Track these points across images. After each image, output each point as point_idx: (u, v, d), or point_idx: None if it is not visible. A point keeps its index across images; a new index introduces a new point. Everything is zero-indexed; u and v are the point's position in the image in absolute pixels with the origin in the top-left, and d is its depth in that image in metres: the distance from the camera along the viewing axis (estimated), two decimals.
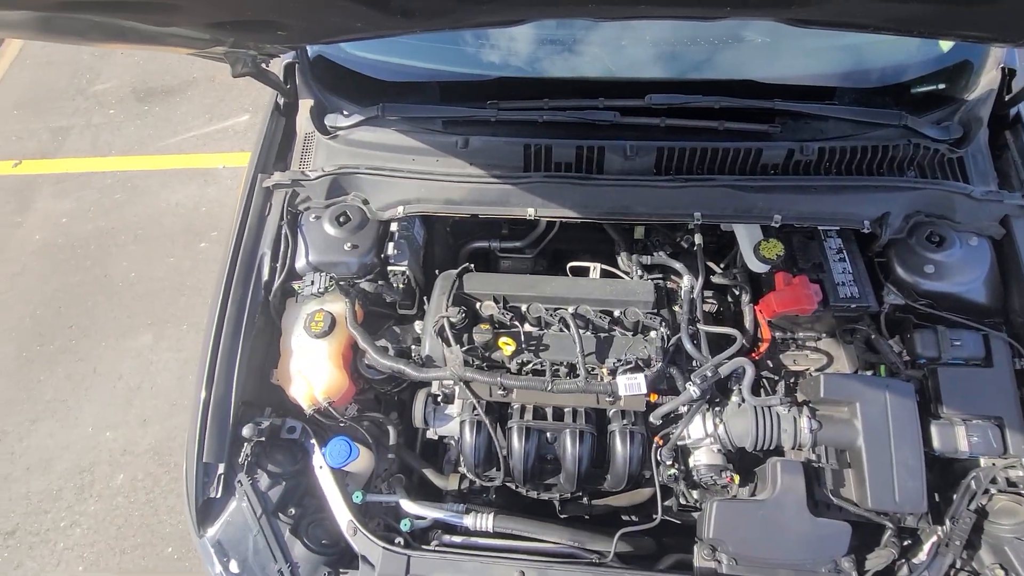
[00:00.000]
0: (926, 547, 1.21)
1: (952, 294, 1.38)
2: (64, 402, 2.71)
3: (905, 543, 1.28)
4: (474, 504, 1.40)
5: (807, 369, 1.49)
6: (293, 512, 1.32)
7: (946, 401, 1.29)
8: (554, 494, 1.50)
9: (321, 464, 1.36)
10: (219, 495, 1.29)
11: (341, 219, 1.54)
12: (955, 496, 1.25)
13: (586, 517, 1.53)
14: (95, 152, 3.70)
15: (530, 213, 1.49)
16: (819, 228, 1.50)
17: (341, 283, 1.51)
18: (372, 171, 1.53)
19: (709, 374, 1.28)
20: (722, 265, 1.65)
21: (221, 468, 1.31)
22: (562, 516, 1.50)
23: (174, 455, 2.50)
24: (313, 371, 1.42)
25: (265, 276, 1.49)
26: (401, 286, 1.58)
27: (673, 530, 1.51)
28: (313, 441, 1.39)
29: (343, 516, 1.29)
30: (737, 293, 1.59)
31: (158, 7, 0.72)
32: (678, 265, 1.58)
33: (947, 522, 1.22)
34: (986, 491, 1.22)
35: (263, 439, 1.35)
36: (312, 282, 1.46)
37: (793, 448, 1.28)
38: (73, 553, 2.31)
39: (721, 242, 1.75)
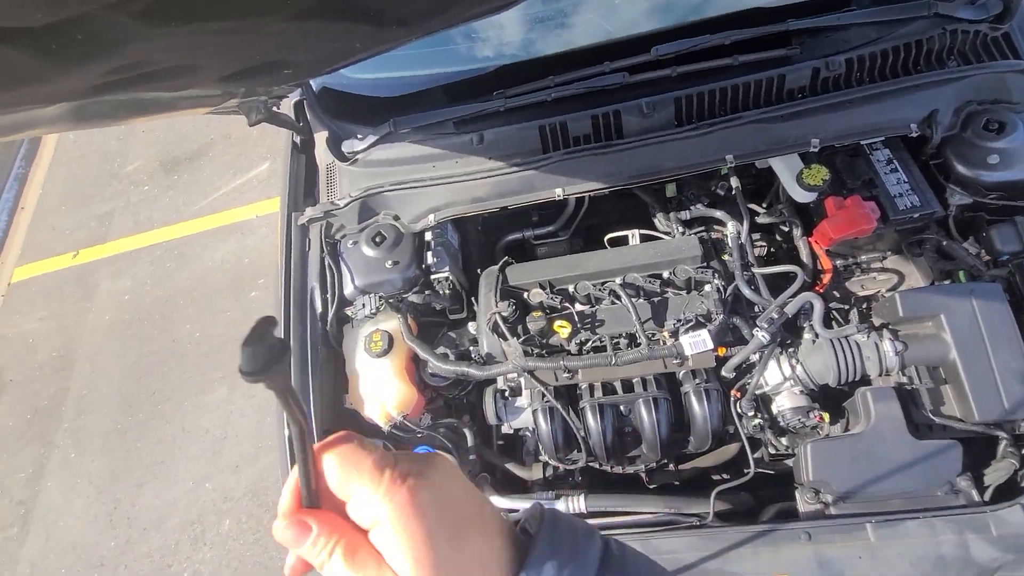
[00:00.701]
0: None
1: (1023, 181, 1.28)
2: (162, 463, 2.90)
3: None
4: (562, 489, 1.41)
5: (877, 292, 1.42)
6: None
7: None
8: (639, 466, 1.49)
9: None
10: None
11: (377, 239, 1.57)
12: None
13: (676, 484, 1.51)
14: (139, 228, 3.93)
15: (558, 194, 1.48)
16: (862, 143, 1.42)
17: (390, 301, 1.54)
18: (396, 186, 1.56)
19: (775, 316, 1.24)
20: (764, 205, 1.59)
21: None
22: (651, 487, 1.48)
23: (270, 494, 2.63)
24: (382, 389, 1.46)
25: (319, 308, 1.54)
26: (447, 292, 1.60)
27: (769, 482, 1.47)
28: None
29: None
30: (787, 229, 1.52)
31: (177, 72, 0.76)
32: (719, 213, 1.53)
33: None
34: None
35: None
36: (364, 305, 1.50)
37: (880, 375, 1.22)
38: None
39: (760, 182, 1.68)
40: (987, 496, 1.14)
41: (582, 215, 1.80)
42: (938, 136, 1.32)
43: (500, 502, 1.38)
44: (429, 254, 1.57)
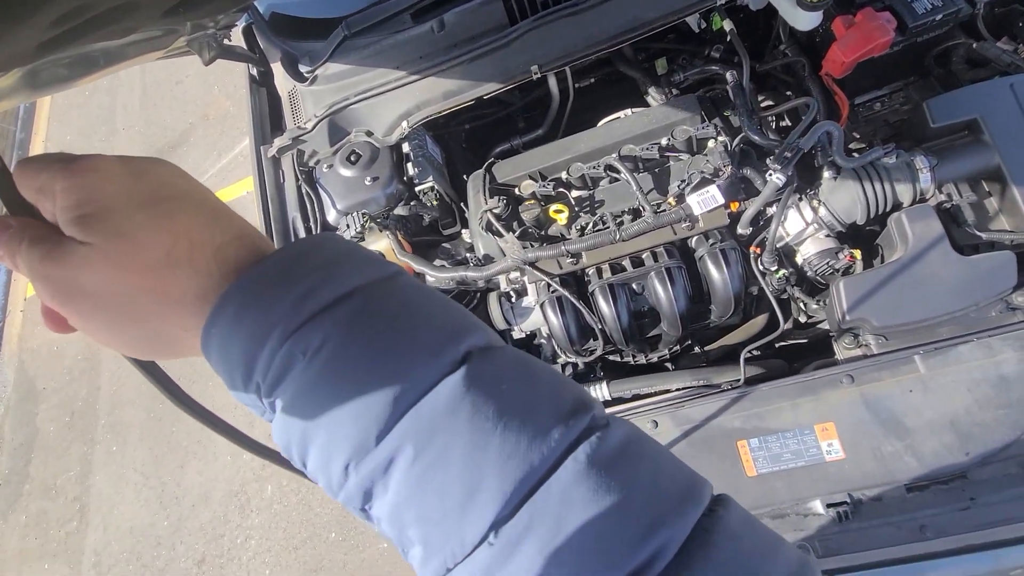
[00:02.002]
0: None
1: None
2: (199, 442, 2.94)
3: None
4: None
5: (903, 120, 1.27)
6: None
7: None
8: (662, 351, 1.40)
9: None
10: None
11: (352, 158, 1.47)
12: None
13: (704, 366, 1.43)
14: None
15: (534, 71, 1.35)
16: None
17: (377, 220, 1.45)
18: (362, 96, 1.44)
19: (789, 154, 1.11)
20: (765, 57, 1.43)
21: None
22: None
23: None
24: None
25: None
26: (435, 203, 1.50)
27: (803, 352, 1.38)
28: None
29: None
30: (791, 76, 1.37)
31: (119, 13, 0.68)
32: (715, 67, 1.38)
33: None
34: None
35: None
36: (348, 226, 1.42)
37: (915, 201, 1.10)
38: (256, 561, 2.54)
39: (755, 37, 1.52)
40: None
41: (570, 110, 1.66)
42: None
43: None
44: (409, 166, 1.47)
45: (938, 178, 1.06)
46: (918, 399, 0.98)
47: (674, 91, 1.43)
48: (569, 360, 1.42)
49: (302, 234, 1.46)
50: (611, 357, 1.47)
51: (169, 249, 0.34)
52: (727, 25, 1.33)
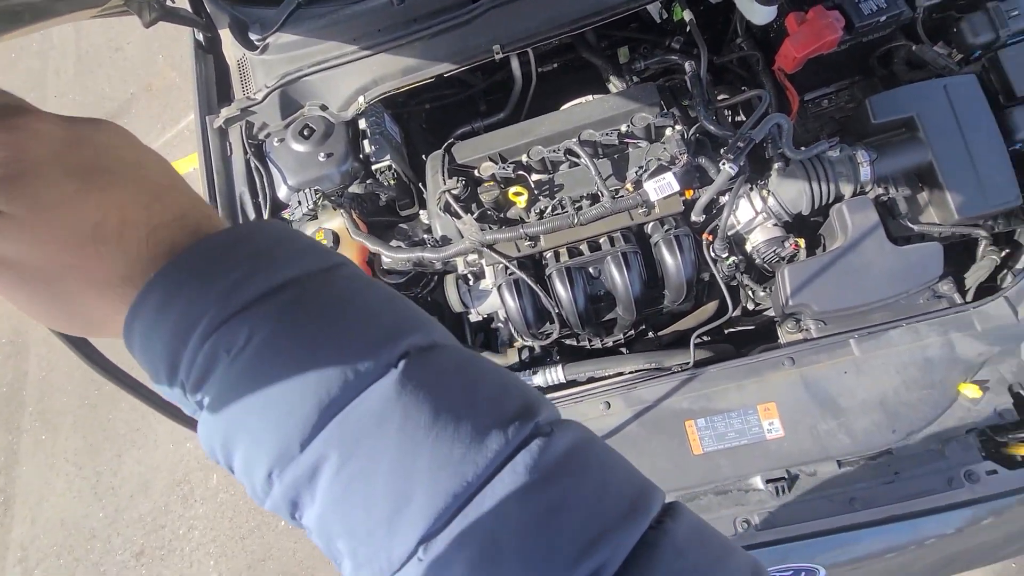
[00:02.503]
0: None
1: None
2: (138, 430, 2.80)
3: (1005, 253, 1.16)
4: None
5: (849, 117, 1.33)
6: None
7: (1016, 82, 1.12)
8: (617, 335, 1.43)
9: None
10: None
11: (305, 132, 1.42)
12: None
13: (656, 349, 1.46)
14: None
15: (496, 51, 1.33)
16: None
17: (331, 198, 1.40)
18: (316, 67, 1.39)
19: (741, 144, 1.14)
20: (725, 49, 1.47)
21: None
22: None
23: None
24: None
25: (251, 215, 1.40)
26: (392, 182, 1.46)
27: (750, 338, 1.43)
28: None
29: None
30: (746, 71, 1.41)
31: None
32: (675, 57, 1.40)
33: None
34: None
35: None
36: (299, 203, 1.36)
37: (856, 193, 1.15)
38: (200, 552, 2.45)
39: (714, 30, 1.55)
40: (969, 297, 1.10)
41: (532, 94, 1.65)
42: None
43: None
44: (366, 143, 1.42)
45: (877, 172, 1.12)
46: (852, 380, 1.03)
47: (634, 79, 1.45)
48: (526, 343, 1.43)
49: (250, 210, 1.40)
50: (567, 341, 1.48)
51: (97, 225, 0.30)
52: (687, 16, 1.35)
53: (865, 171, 1.11)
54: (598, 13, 1.29)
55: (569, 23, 1.30)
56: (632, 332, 1.44)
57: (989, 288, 1.10)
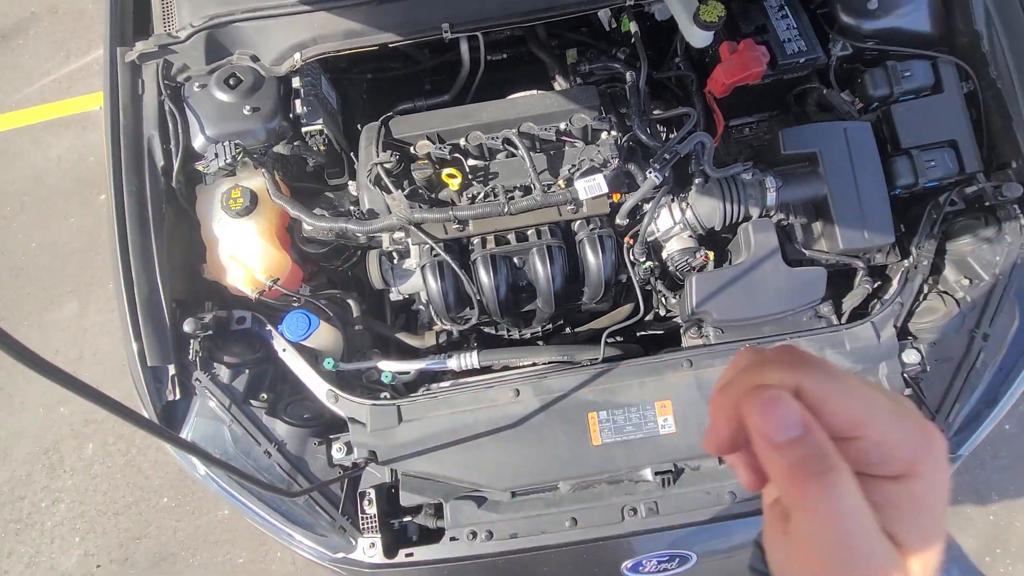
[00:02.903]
0: (896, 277, 1.24)
1: (897, 28, 1.32)
2: (2, 390, 2.48)
3: (877, 284, 1.31)
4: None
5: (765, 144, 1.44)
6: (266, 397, 1.23)
7: (902, 136, 1.26)
8: (535, 328, 1.46)
9: (284, 347, 1.26)
10: (178, 397, 1.19)
11: (231, 82, 1.32)
12: (920, 227, 1.26)
13: (571, 344, 1.51)
14: None
15: (444, 29, 1.31)
16: None
17: (254, 156, 1.32)
18: (250, 14, 1.30)
19: (668, 156, 1.21)
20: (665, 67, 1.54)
21: (172, 370, 1.19)
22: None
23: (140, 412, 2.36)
24: (245, 252, 1.27)
25: (160, 161, 1.29)
26: (322, 148, 1.40)
27: (659, 342, 1.52)
28: (269, 327, 1.28)
29: (320, 388, 1.21)
30: (684, 85, 1.49)
31: None
32: (618, 65, 1.46)
33: (913, 250, 1.24)
34: (949, 209, 1.24)
35: (211, 333, 1.23)
36: (216, 155, 1.27)
37: (762, 215, 1.25)
38: (64, 527, 2.22)
39: (658, 47, 1.62)
40: (844, 320, 1.24)
41: (478, 82, 1.64)
42: None
43: (389, 365, 1.29)
44: (298, 103, 1.35)
45: (781, 199, 1.22)
46: None
47: (578, 80, 1.48)
48: (445, 327, 1.42)
49: (159, 156, 1.28)
50: (487, 330, 1.49)
51: None
52: (633, 27, 1.41)
53: (771, 196, 1.21)
54: (551, 9, 1.31)
55: (521, 14, 1.31)
56: (550, 326, 1.47)
57: (860, 313, 1.24)
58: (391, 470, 1.18)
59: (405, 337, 1.43)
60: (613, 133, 1.30)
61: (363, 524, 1.14)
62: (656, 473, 1.11)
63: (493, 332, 1.49)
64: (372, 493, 1.15)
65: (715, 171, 1.22)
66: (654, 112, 1.36)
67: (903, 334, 1.20)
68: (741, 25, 1.36)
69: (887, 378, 1.15)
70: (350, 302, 1.41)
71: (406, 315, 1.58)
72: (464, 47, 1.59)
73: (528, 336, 1.48)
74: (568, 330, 1.53)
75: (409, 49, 1.68)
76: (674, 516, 1.08)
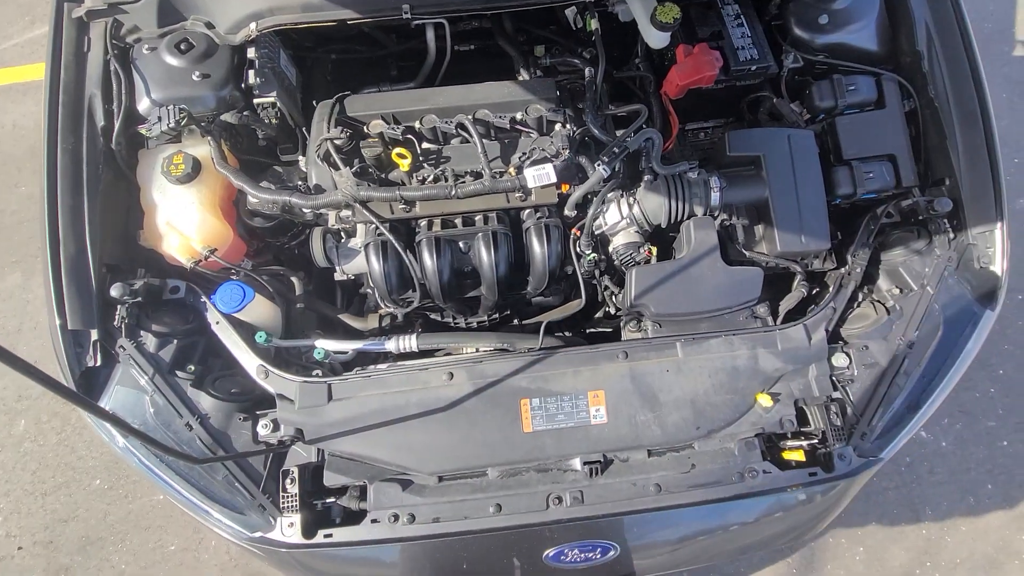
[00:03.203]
0: (831, 282, 1.27)
1: (846, 44, 1.37)
2: None
3: (815, 290, 1.34)
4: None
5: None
6: (193, 369, 1.19)
7: (844, 147, 1.30)
8: (482, 316, 1.45)
9: (218, 319, 1.23)
10: (98, 363, 1.14)
11: (182, 47, 1.30)
12: (856, 236, 1.30)
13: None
14: None
15: (405, 10, 1.31)
16: None
17: (202, 124, 1.29)
18: None
19: (617, 150, 1.22)
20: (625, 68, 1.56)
21: (94, 335, 1.14)
22: None
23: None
24: (183, 220, 1.24)
25: (101, 121, 1.25)
26: (274, 121, 1.38)
27: (607, 339, 1.52)
28: (204, 299, 1.24)
29: (251, 363, 1.18)
30: (642, 86, 1.51)
31: None
32: (577, 61, 1.47)
33: (849, 258, 1.28)
34: (885, 221, 1.27)
35: (140, 300, 1.19)
36: (159, 118, 1.23)
37: (706, 214, 1.27)
38: None
39: (621, 48, 1.64)
40: (779, 321, 1.26)
41: (445, 72, 1.64)
42: None
43: (326, 343, 1.26)
44: (251, 73, 1.33)
45: (725, 199, 1.24)
46: (672, 379, 1.13)
47: (539, 73, 1.49)
48: (388, 310, 1.40)
49: (99, 116, 1.25)
50: (432, 316, 1.48)
51: None
52: (594, 24, 1.42)
53: (715, 196, 1.23)
54: None
55: (482, 0, 1.31)
56: (497, 316, 1.47)
57: (796, 316, 1.26)
58: (317, 450, 1.15)
59: (348, 319, 1.41)
60: (568, 126, 1.31)
61: (283, 503, 1.11)
62: (585, 463, 1.11)
63: (438, 319, 1.47)
64: (295, 472, 1.12)
65: (662, 168, 1.23)
66: (609, 108, 1.37)
67: (835, 338, 1.23)
68: (698, 30, 1.39)
69: (816, 380, 1.17)
70: (294, 279, 1.38)
71: (354, 298, 1.56)
72: (430, 34, 1.59)
73: (475, 325, 1.47)
74: (516, 322, 1.52)
75: (376, 33, 1.67)
76: (599, 506, 1.08)
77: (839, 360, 1.19)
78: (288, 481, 1.12)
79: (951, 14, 1.29)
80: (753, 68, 1.34)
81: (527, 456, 1.11)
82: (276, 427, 1.15)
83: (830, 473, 1.12)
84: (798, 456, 1.16)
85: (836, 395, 1.19)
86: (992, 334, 1.22)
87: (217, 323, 1.23)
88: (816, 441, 1.18)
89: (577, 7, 1.55)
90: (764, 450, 1.14)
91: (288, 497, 1.12)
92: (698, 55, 1.32)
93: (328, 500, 1.15)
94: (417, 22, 1.54)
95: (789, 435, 1.17)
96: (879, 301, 1.27)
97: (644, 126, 1.27)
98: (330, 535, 1.08)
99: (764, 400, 1.14)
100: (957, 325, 1.19)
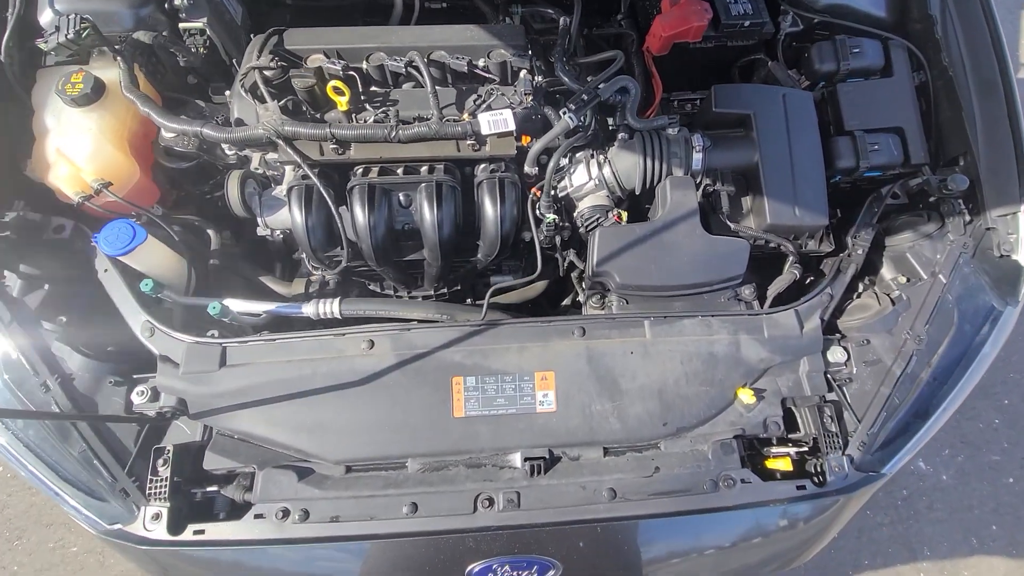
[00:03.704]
0: (828, 265, 1.10)
1: (849, 6, 1.23)
2: None
3: (809, 279, 1.17)
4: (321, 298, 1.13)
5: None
6: (65, 320, 0.99)
7: (846, 116, 1.15)
8: (428, 290, 1.26)
9: (107, 267, 1.04)
10: None
11: None
12: (858, 217, 1.13)
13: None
14: None
15: None
16: None
17: (112, 43, 1.12)
18: None
19: (586, 97, 1.05)
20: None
21: None
22: None
23: None
24: (75, 146, 1.05)
25: None
26: (202, 51, 1.21)
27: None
28: (94, 244, 1.05)
29: (135, 317, 0.99)
30: (624, 45, 1.36)
31: None
32: (552, 11, 1.32)
33: (849, 241, 1.10)
34: (891, 202, 1.11)
35: (10, 235, 1.00)
36: (57, 28, 1.06)
37: (686, 176, 1.10)
38: None
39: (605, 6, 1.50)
40: (767, 306, 1.08)
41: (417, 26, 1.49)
42: None
43: (234, 303, 1.06)
44: None
45: (708, 163, 1.08)
46: (636, 362, 0.94)
47: (506, 20, 1.34)
48: (318, 275, 1.21)
49: None
50: (372, 287, 1.29)
51: None
52: None
53: (697, 158, 1.07)
54: None
55: None
56: (445, 290, 1.28)
57: (786, 302, 1.08)
58: (204, 427, 0.95)
59: (270, 281, 1.21)
60: (536, 76, 1.15)
61: (151, 489, 0.90)
62: (525, 459, 0.91)
63: (378, 290, 1.28)
64: (170, 451, 0.91)
65: (638, 121, 1.07)
66: (582, 60, 1.21)
67: (831, 330, 1.05)
68: None
69: (808, 376, 0.99)
70: (210, 232, 1.20)
71: (287, 266, 1.37)
72: None
73: (419, 299, 1.28)
74: (469, 301, 1.33)
75: None
76: (538, 512, 0.87)
77: (835, 355, 1.01)
78: (160, 462, 0.91)
79: None
80: (746, 24, 1.20)
81: (456, 447, 0.91)
82: (155, 396, 0.95)
83: (822, 488, 0.93)
84: (784, 465, 0.96)
85: (831, 396, 1.00)
86: (995, 359, 1.05)
87: (106, 271, 1.03)
88: (806, 449, 0.99)
89: None
90: (744, 456, 0.94)
91: (157, 481, 0.90)
92: (685, 4, 1.17)
93: (210, 489, 0.94)
94: None
95: (774, 440, 0.97)
96: (883, 292, 1.09)
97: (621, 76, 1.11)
98: (201, 531, 0.87)
99: (746, 396, 0.95)
100: (973, 321, 1.02)
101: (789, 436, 0.99)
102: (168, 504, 0.89)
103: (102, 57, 1.14)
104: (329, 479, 0.90)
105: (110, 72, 1.12)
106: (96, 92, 1.07)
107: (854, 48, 1.16)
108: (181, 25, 1.18)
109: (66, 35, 1.05)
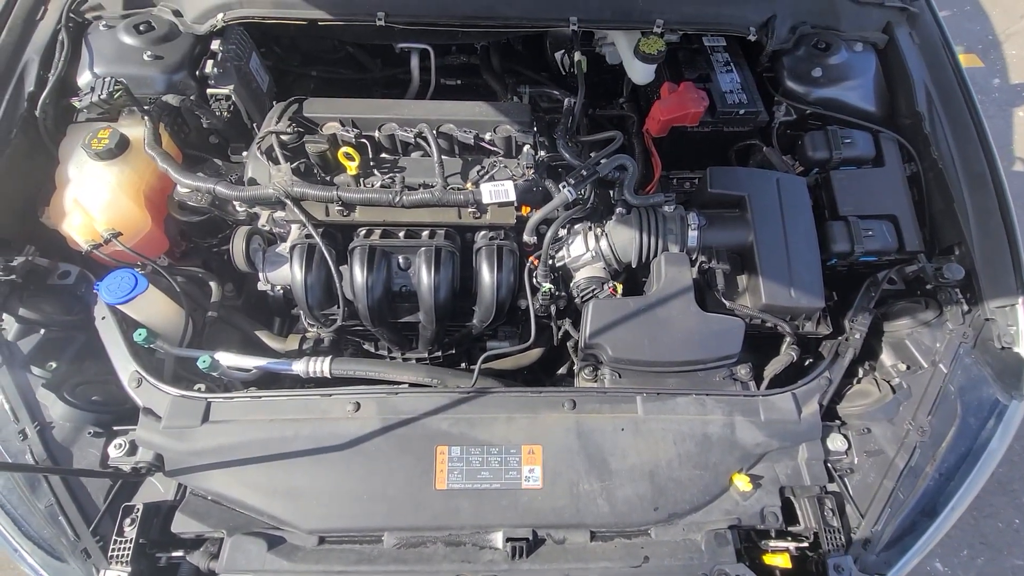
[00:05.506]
0: (826, 349, 1.08)
1: (841, 100, 1.29)
2: None
3: (808, 360, 1.15)
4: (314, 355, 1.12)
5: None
6: (54, 367, 0.99)
7: (840, 202, 1.17)
8: (422, 352, 1.26)
9: (104, 315, 1.05)
10: None
11: (142, 27, 1.23)
12: (856, 301, 1.13)
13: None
14: None
15: (379, 18, 1.25)
16: (705, 43, 1.37)
17: (143, 104, 1.19)
18: None
19: (585, 172, 1.09)
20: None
21: None
22: None
23: None
24: (92, 197, 1.09)
25: (31, 87, 1.15)
26: (226, 114, 1.28)
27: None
28: (95, 291, 1.07)
29: (125, 366, 0.98)
30: (625, 127, 1.43)
31: None
32: (557, 92, 1.40)
33: (846, 324, 1.10)
34: (887, 287, 1.11)
35: (15, 279, 1.02)
36: (92, 88, 1.13)
37: (681, 252, 1.11)
38: None
39: (606, 89, 1.59)
40: (763, 388, 1.05)
41: (429, 100, 1.58)
42: (772, 45, 1.29)
43: (225, 357, 1.06)
44: (210, 63, 1.25)
45: (704, 240, 1.10)
46: (627, 440, 0.91)
47: (515, 99, 1.42)
48: (313, 332, 1.21)
49: (30, 82, 1.15)
50: (366, 347, 1.28)
51: None
52: (577, 56, 1.36)
53: (693, 235, 1.08)
54: (491, 19, 1.26)
55: (460, 17, 1.26)
56: (439, 353, 1.27)
57: (786, 380, 1.06)
58: (178, 485, 0.92)
59: (265, 336, 1.21)
60: (540, 152, 1.20)
61: (113, 551, 0.85)
62: (508, 539, 0.86)
63: (372, 350, 1.28)
64: (139, 511, 0.87)
65: (635, 197, 1.10)
66: (580, 138, 1.26)
67: (830, 416, 1.02)
68: (685, 71, 1.33)
69: (807, 464, 0.95)
70: (212, 284, 1.21)
71: (287, 322, 1.37)
72: (414, 62, 1.55)
73: (413, 361, 1.27)
74: (464, 366, 1.32)
75: (361, 55, 1.64)
76: None
77: (836, 443, 0.98)
78: (127, 521, 0.87)
79: (952, 75, 1.21)
80: (741, 112, 1.25)
81: (435, 522, 0.87)
82: (132, 450, 0.93)
83: None
84: (783, 562, 0.90)
85: (832, 487, 0.96)
86: (1011, 453, 1.00)
87: (103, 318, 1.04)
88: (806, 545, 0.93)
89: (564, 47, 1.52)
90: (740, 548, 0.89)
91: (122, 543, 0.86)
92: (683, 92, 1.24)
93: (176, 554, 0.89)
94: (402, 45, 1.52)
95: (772, 532, 0.92)
96: (883, 379, 1.07)
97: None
98: None
99: (742, 482, 0.91)
100: (978, 414, 0.99)
101: (788, 529, 0.93)
102: (129, 569, 0.84)
103: (131, 116, 1.21)
104: (300, 550, 0.86)
105: (136, 129, 1.18)
106: (120, 147, 1.13)
107: (845, 139, 1.21)
108: (209, 91, 1.26)
109: (99, 95, 1.12)
